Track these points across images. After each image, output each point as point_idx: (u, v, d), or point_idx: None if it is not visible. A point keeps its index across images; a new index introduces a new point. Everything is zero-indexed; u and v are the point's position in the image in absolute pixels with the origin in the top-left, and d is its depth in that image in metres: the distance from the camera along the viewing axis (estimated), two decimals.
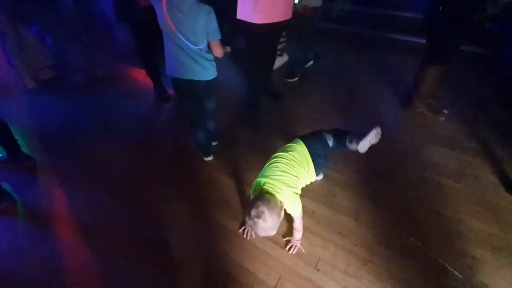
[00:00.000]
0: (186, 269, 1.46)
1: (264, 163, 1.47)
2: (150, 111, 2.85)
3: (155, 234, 1.63)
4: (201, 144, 2.05)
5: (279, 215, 1.21)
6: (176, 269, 1.46)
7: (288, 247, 1.51)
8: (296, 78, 3.16)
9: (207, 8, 1.51)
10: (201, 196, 1.85)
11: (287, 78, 3.15)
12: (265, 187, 1.27)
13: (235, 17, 2.17)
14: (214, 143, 2.24)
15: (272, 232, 1.23)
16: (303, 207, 1.55)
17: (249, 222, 1.22)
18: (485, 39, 3.20)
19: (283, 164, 1.36)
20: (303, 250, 1.51)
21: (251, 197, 1.32)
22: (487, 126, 2.37)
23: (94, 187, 1.94)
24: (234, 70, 3.38)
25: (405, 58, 3.53)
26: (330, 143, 1.57)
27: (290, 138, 1.72)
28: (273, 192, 1.25)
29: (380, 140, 1.61)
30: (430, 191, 1.83)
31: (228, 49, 3.51)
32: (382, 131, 1.60)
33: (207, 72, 1.71)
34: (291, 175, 1.35)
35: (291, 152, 1.45)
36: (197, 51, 1.61)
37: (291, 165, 1.37)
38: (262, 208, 1.16)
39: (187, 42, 1.54)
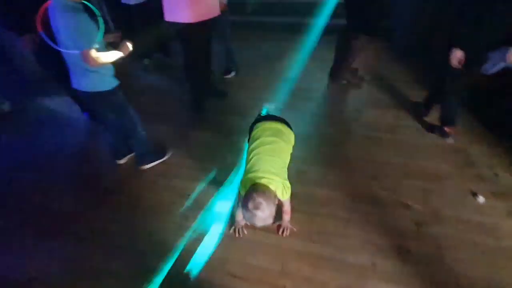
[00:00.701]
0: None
1: (231, 161, 1.48)
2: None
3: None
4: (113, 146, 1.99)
5: (274, 204, 1.25)
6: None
7: (280, 231, 1.57)
8: (233, 73, 3.20)
9: (78, 8, 1.33)
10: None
11: (225, 75, 3.16)
12: (257, 181, 1.28)
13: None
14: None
15: (270, 221, 1.25)
16: None
17: (246, 215, 1.23)
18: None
19: (268, 155, 1.37)
20: (295, 229, 1.59)
21: (242, 193, 1.31)
22: (400, 83, 2.83)
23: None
24: (169, 77, 3.23)
25: (322, 39, 3.91)
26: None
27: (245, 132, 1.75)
28: (267, 183, 1.27)
29: (325, 113, 1.79)
30: (375, 146, 2.14)
31: (147, 61, 3.33)
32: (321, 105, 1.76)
33: (90, 81, 1.56)
34: (279, 163, 1.38)
35: (268, 137, 1.43)
36: (76, 57, 1.41)
37: (274, 149, 1.40)
38: (259, 199, 1.18)
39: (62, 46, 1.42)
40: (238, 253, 1.52)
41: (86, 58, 1.37)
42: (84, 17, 1.34)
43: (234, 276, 1.42)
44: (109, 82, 1.63)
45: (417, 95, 2.53)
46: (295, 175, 1.90)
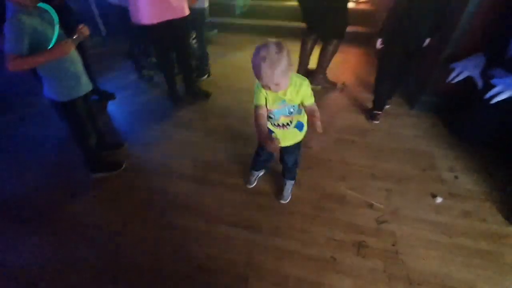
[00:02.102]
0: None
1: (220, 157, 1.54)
2: None
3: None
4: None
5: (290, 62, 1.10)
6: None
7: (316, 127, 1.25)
8: (206, 76, 3.29)
9: (17, 11, 1.31)
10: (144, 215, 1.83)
11: (198, 77, 3.22)
12: None
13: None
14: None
15: (290, 71, 1.12)
16: (251, 187, 1.76)
17: (257, 67, 1.07)
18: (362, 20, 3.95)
19: None
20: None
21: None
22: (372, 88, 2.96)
23: None
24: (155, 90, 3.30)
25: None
26: None
27: (236, 134, 1.84)
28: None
29: None
30: (346, 148, 2.25)
31: (145, 72, 3.35)
32: None
33: (45, 86, 1.58)
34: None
35: None
36: None
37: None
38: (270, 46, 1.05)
39: None
40: (206, 246, 1.60)
41: (6, 61, 1.34)
42: (17, 21, 1.29)
43: (200, 268, 1.51)
44: (65, 94, 1.60)
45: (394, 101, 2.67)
46: (269, 175, 2.02)
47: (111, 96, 2.88)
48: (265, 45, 1.07)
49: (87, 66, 1.79)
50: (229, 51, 3.96)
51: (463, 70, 2.03)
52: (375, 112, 2.51)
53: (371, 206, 1.80)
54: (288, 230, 1.67)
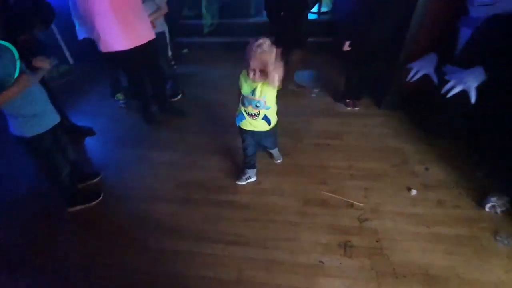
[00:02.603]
0: None
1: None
2: None
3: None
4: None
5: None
6: None
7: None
8: (180, 95, 3.31)
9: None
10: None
11: (172, 98, 3.23)
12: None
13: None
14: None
15: (277, 69, 1.46)
16: (235, 201, 1.84)
17: (256, 50, 1.39)
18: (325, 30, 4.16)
19: None
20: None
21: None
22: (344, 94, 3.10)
23: None
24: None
25: None
26: None
27: (215, 149, 1.84)
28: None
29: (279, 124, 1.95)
30: (323, 152, 2.32)
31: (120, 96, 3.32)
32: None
33: (10, 123, 1.56)
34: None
35: None
36: None
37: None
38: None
39: None
40: (196, 268, 1.57)
41: None
42: None
43: None
44: (29, 130, 1.56)
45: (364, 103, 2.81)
46: (250, 187, 2.03)
47: (89, 132, 2.74)
48: (261, 38, 1.39)
49: (53, 99, 1.75)
50: (200, 68, 4.01)
51: (419, 69, 2.18)
52: (348, 100, 2.86)
53: (351, 205, 1.85)
54: (275, 241, 1.68)
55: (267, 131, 1.81)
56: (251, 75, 1.47)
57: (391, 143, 2.36)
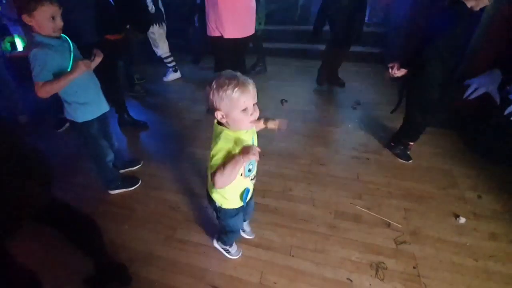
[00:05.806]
0: None
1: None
2: None
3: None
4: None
5: None
6: None
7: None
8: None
9: (38, 43, 1.45)
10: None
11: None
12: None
13: None
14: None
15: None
16: (266, 206, 1.82)
17: (247, 84, 1.00)
18: (373, 40, 4.03)
19: None
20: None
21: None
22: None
23: None
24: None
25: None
26: None
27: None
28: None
29: (313, 133, 1.90)
30: (362, 166, 2.21)
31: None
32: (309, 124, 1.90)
33: (65, 109, 1.70)
34: None
35: None
36: None
37: None
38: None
39: None
40: (219, 264, 1.58)
41: (35, 88, 1.47)
42: (40, 52, 1.43)
43: (213, 287, 1.47)
44: (80, 116, 1.70)
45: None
46: (281, 191, 2.00)
47: (144, 127, 2.91)
48: (233, 74, 1.02)
49: (120, 94, 1.91)
50: None
51: (480, 86, 1.99)
52: (406, 142, 2.25)
53: (388, 225, 1.73)
54: (302, 250, 1.62)
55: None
56: (252, 118, 1.06)
57: (438, 163, 2.17)
